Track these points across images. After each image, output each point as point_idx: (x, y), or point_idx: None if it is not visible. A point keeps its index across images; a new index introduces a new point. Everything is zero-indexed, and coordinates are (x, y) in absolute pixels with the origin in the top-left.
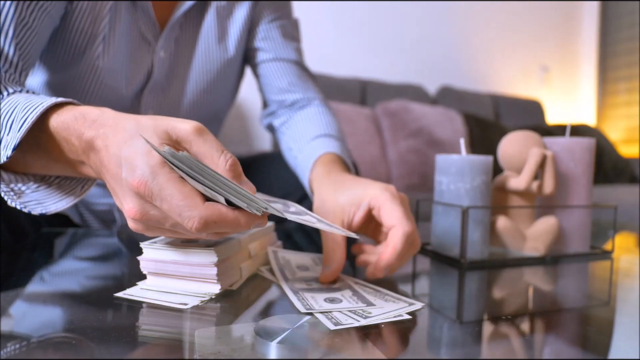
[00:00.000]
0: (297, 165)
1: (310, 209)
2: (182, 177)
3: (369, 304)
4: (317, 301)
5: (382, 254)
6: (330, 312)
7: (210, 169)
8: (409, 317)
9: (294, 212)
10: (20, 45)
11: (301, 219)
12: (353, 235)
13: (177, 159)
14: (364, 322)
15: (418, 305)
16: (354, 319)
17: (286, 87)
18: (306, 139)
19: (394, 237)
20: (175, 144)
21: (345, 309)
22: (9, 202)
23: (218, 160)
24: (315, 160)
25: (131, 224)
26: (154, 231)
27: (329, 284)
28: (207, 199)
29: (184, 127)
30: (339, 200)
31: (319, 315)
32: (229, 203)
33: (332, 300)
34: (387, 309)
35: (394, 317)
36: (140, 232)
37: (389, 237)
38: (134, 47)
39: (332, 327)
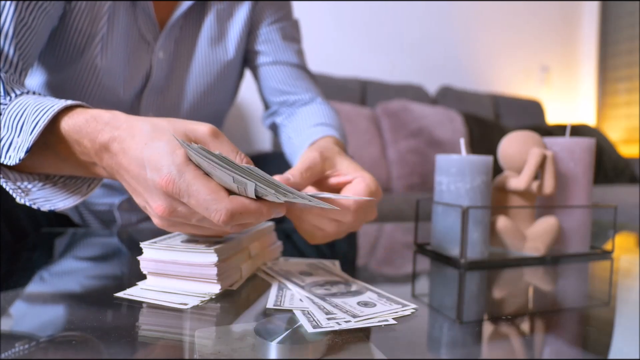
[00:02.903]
0: (293, 151)
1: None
2: (207, 174)
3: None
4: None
5: (341, 206)
6: (312, 313)
7: (235, 163)
8: (394, 322)
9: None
10: (20, 45)
11: (320, 196)
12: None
13: (209, 153)
14: (345, 325)
15: (408, 311)
16: (336, 321)
17: (287, 89)
18: (306, 127)
19: (356, 186)
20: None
21: (335, 309)
22: (17, 199)
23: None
24: (313, 141)
25: (157, 221)
26: (178, 227)
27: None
28: (231, 193)
29: (201, 129)
30: (336, 160)
31: (299, 315)
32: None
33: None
34: (376, 311)
35: (378, 322)
36: (165, 229)
37: (352, 183)
38: (133, 48)
39: (310, 330)
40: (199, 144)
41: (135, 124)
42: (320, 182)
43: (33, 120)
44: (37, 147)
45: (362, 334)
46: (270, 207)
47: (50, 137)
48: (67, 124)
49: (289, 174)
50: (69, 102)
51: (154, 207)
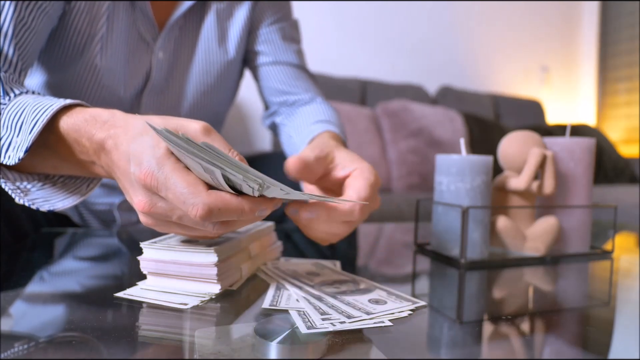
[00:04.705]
0: (293, 149)
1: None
2: (188, 167)
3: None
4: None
5: (344, 203)
6: (308, 313)
7: (206, 148)
8: (390, 324)
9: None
10: (20, 45)
11: (300, 194)
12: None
13: (176, 137)
14: (339, 326)
15: (405, 313)
16: (331, 322)
17: (287, 89)
18: (306, 125)
19: (356, 181)
20: None
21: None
22: (16, 200)
23: None
24: (314, 137)
25: (142, 218)
26: (163, 226)
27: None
28: (212, 188)
29: (192, 126)
30: (334, 152)
31: (294, 315)
32: (234, 189)
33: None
34: (388, 308)
35: (374, 324)
36: (152, 227)
37: (351, 177)
38: (133, 48)
39: (305, 330)
40: None
41: (130, 121)
42: (322, 178)
43: (32, 120)
44: (37, 147)
45: (362, 334)
46: (253, 204)
47: (50, 136)
48: (66, 123)
49: (300, 155)
50: (68, 101)
51: (136, 202)
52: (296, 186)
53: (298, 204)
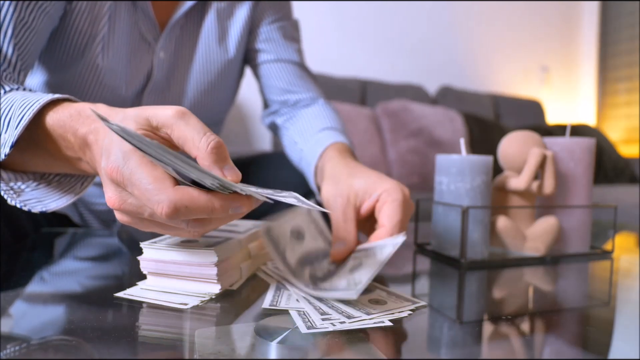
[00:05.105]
0: (302, 157)
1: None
2: (154, 162)
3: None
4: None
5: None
6: (308, 313)
7: (148, 140)
8: (390, 324)
9: (269, 192)
10: (19, 45)
11: (280, 196)
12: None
13: (127, 133)
14: (339, 327)
15: (405, 313)
16: (331, 322)
17: (288, 87)
18: (312, 132)
19: (388, 210)
20: (155, 129)
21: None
22: (9, 201)
23: (199, 143)
24: (325, 148)
25: (117, 216)
26: (139, 224)
27: (341, 262)
28: (180, 183)
29: (164, 112)
30: (353, 184)
31: (294, 315)
32: (202, 186)
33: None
34: (388, 308)
35: (374, 323)
36: (129, 225)
37: (374, 235)
38: (134, 48)
39: (304, 330)
40: (163, 127)
41: (112, 116)
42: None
43: (19, 115)
44: (27, 144)
45: (362, 334)
46: (225, 201)
47: (38, 132)
48: (52, 118)
49: (341, 243)
50: (56, 96)
51: (106, 198)
52: (301, 187)
53: (341, 254)
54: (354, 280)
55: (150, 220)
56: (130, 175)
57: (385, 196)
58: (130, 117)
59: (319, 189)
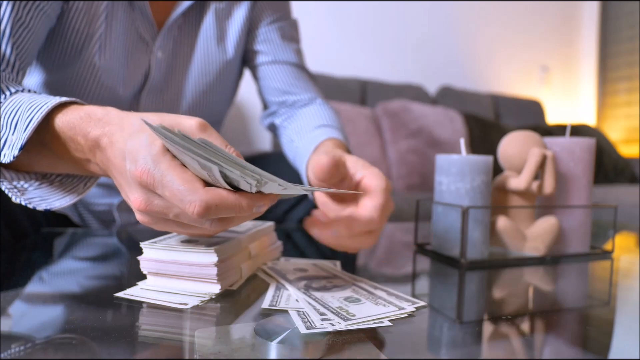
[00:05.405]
0: (296, 154)
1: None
2: (184, 164)
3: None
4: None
5: (361, 209)
6: (307, 314)
7: (202, 144)
8: (389, 324)
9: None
10: (17, 45)
11: (299, 188)
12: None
13: (172, 134)
14: (338, 327)
15: (405, 313)
16: (330, 322)
17: (286, 88)
18: (309, 129)
19: (370, 181)
20: None
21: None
22: (13, 199)
23: None
24: (318, 144)
25: (138, 217)
26: (160, 224)
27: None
28: (209, 185)
29: (188, 122)
30: (342, 156)
31: (293, 316)
32: (231, 185)
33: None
34: (371, 313)
35: (373, 324)
36: (148, 225)
37: (368, 187)
38: (131, 47)
39: (304, 331)
40: None
41: (125, 119)
42: (336, 185)
43: (27, 118)
44: (33, 145)
45: (362, 334)
46: (251, 200)
47: (45, 134)
48: (61, 120)
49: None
50: (63, 99)
51: (132, 199)
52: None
53: (317, 222)
54: (347, 311)
55: (172, 221)
56: (161, 178)
57: (371, 176)
58: (154, 123)
59: (309, 183)
